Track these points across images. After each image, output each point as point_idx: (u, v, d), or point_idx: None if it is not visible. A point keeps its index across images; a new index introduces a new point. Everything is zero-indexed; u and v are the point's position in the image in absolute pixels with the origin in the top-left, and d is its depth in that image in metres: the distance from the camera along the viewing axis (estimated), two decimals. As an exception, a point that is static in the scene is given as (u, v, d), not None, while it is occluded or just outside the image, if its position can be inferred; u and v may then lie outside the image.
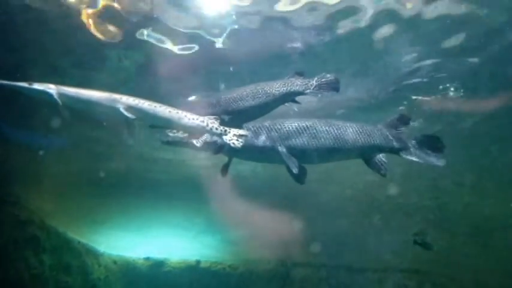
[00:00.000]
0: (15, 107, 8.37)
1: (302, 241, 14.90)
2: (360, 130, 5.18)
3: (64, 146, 10.46)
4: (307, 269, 14.99)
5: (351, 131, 5.14)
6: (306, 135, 5.09)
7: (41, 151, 10.49)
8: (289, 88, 5.11)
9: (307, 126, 5.13)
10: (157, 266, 14.86)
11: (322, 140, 5.07)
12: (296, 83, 5.12)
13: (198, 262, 15.15)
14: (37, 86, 4.42)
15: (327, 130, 5.10)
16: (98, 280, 12.63)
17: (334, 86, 5.06)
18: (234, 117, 4.80)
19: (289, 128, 5.13)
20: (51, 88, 4.43)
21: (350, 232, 14.25)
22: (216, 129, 4.39)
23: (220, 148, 5.00)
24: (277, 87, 5.11)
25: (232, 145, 4.31)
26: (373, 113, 8.59)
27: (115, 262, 14.11)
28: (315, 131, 5.09)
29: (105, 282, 13.01)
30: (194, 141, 4.35)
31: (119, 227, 15.38)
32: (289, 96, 5.14)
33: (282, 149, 5.06)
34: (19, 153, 10.50)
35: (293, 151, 5.06)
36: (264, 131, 5.16)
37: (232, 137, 4.37)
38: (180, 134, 5.03)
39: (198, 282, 14.69)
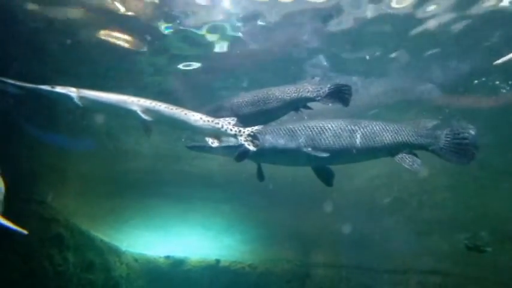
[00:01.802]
0: (43, 110, 8.67)
1: (322, 241, 14.87)
2: (387, 128, 5.10)
3: (89, 147, 10.75)
4: (327, 269, 14.91)
5: (377, 129, 5.07)
6: (332, 135, 5.02)
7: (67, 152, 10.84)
8: (300, 94, 5.10)
9: (333, 126, 5.07)
10: (177, 265, 15.04)
11: (349, 139, 5.00)
12: (307, 89, 5.10)
13: (217, 261, 15.25)
14: (59, 89, 4.59)
15: (353, 129, 5.03)
16: (119, 278, 12.85)
17: (345, 99, 5.02)
18: (246, 121, 4.84)
19: (315, 129, 5.07)
20: (73, 91, 4.59)
21: (371, 232, 14.13)
22: (231, 130, 4.45)
23: (245, 154, 5.01)
24: (288, 93, 5.10)
25: (247, 145, 4.36)
26: (407, 113, 8.52)
27: (136, 260, 14.35)
28: (340, 130, 5.02)
29: (126, 280, 13.23)
30: (210, 143, 4.41)
31: (140, 226, 15.64)
32: (300, 102, 5.12)
33: (308, 150, 5.02)
34: (45, 153, 10.81)
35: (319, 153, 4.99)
36: (290, 134, 5.13)
37: (247, 137, 4.41)
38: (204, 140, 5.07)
39: (218, 281, 14.79)
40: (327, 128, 5.05)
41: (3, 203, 3.99)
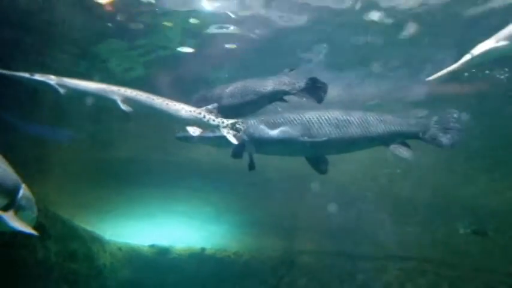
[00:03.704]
0: (24, 99, 8.48)
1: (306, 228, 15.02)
2: (380, 118, 5.24)
3: (71, 138, 10.61)
4: (312, 256, 15.06)
5: (371, 120, 5.19)
6: (329, 125, 5.09)
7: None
8: (276, 87, 5.13)
9: (329, 117, 5.14)
10: (162, 253, 15.00)
11: (344, 129, 5.09)
12: (284, 83, 5.13)
13: (203, 249, 15.27)
14: (38, 76, 4.55)
15: (348, 120, 5.12)
16: (103, 266, 12.78)
17: (319, 95, 5.09)
18: (225, 113, 4.83)
19: (311, 119, 5.12)
20: (52, 79, 4.53)
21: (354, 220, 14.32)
22: (213, 121, 4.42)
23: (241, 145, 4.99)
24: (265, 85, 5.13)
25: (228, 137, 4.33)
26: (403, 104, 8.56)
27: (120, 249, 14.25)
28: (336, 121, 5.10)
29: (110, 269, 13.16)
30: (191, 131, 4.37)
31: (125, 215, 15.57)
32: (276, 95, 5.17)
33: (305, 139, 5.04)
34: (25, 142, 10.62)
35: (316, 142, 5.08)
36: (286, 124, 5.16)
37: (230, 129, 4.39)
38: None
39: (203, 269, 14.82)
40: (323, 118, 5.12)
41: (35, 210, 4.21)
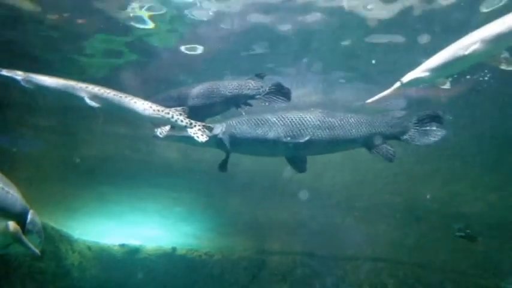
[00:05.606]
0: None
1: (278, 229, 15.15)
2: (361, 120, 5.31)
3: (37, 147, 10.47)
4: (282, 256, 15.19)
5: (352, 121, 5.26)
6: (311, 126, 5.13)
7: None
8: (240, 91, 5.19)
9: (311, 118, 5.19)
10: (132, 253, 14.84)
11: (328, 131, 5.14)
12: (248, 86, 5.20)
13: (173, 249, 15.20)
14: (5, 72, 4.51)
15: (330, 121, 5.18)
16: (71, 266, 12.58)
17: (285, 94, 5.17)
18: (191, 113, 4.86)
19: (293, 119, 5.16)
20: (19, 75, 4.51)
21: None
22: (182, 121, 4.46)
23: (219, 143, 5.02)
24: (230, 88, 5.19)
25: (196, 138, 4.38)
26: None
27: (89, 248, 14.04)
28: (318, 122, 5.15)
29: (79, 268, 12.96)
30: (157, 132, 4.41)
31: (94, 214, 15.34)
32: (241, 99, 5.22)
33: (287, 140, 5.09)
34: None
35: (298, 143, 5.11)
36: (267, 124, 5.18)
37: (197, 130, 4.44)
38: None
39: (174, 269, 14.75)
40: (305, 119, 5.17)
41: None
